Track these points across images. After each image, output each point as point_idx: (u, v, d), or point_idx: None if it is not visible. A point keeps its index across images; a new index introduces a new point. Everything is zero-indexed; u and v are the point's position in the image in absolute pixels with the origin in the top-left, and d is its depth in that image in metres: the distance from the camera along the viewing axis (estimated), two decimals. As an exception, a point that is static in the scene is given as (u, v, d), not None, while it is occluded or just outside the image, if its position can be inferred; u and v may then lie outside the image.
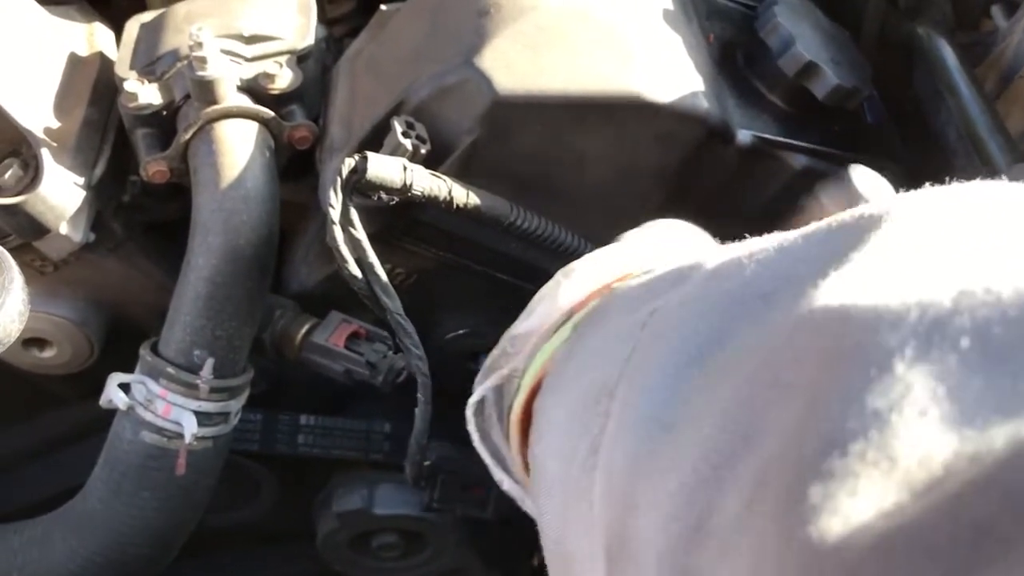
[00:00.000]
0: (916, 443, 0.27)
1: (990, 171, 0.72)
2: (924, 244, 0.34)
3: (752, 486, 0.31)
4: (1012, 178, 0.69)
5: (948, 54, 0.81)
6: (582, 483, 0.41)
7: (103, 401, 0.74)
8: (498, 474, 0.58)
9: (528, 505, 0.57)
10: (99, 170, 0.77)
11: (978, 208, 0.36)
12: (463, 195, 0.68)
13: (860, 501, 0.27)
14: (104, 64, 0.82)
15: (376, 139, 0.71)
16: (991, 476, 0.25)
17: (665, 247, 0.58)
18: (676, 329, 0.40)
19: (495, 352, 0.58)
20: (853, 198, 0.70)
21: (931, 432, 0.27)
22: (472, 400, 0.58)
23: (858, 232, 0.36)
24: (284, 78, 0.77)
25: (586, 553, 0.40)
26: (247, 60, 0.78)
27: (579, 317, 0.51)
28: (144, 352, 0.74)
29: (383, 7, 0.85)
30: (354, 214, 0.68)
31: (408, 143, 0.68)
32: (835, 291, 0.33)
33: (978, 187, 0.38)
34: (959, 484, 0.26)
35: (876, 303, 0.31)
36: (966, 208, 0.36)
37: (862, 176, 0.71)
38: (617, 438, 0.39)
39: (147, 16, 0.84)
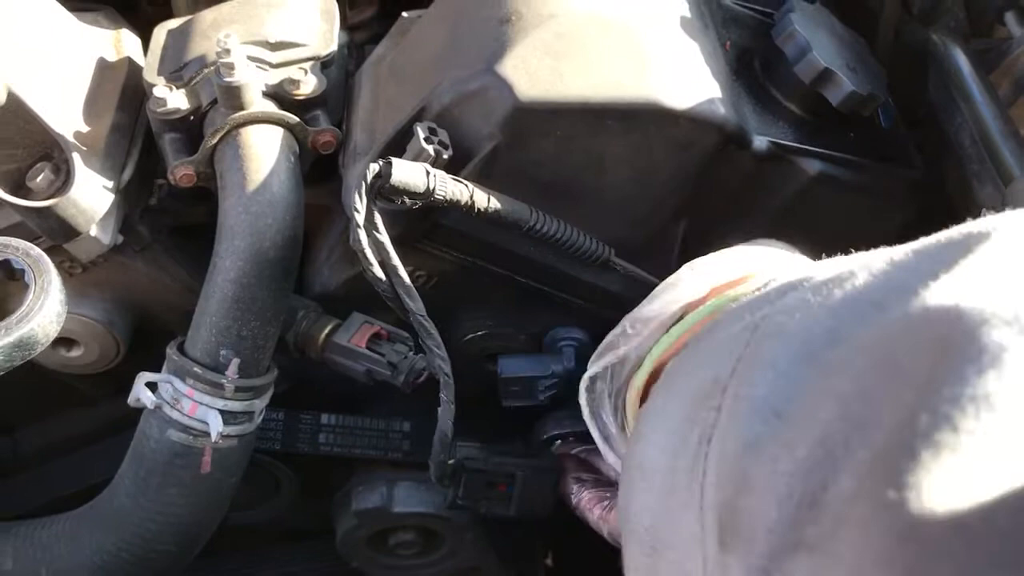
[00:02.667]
0: (1022, 424, 0.30)
1: (1003, 177, 0.73)
2: None
3: (868, 465, 0.34)
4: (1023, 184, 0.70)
5: (962, 61, 0.82)
6: (692, 472, 0.43)
7: (131, 400, 0.75)
8: (604, 450, 0.61)
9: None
10: (127, 174, 0.79)
11: None
12: (484, 199, 0.70)
13: (969, 471, 0.30)
14: (132, 69, 0.84)
15: (399, 144, 0.72)
16: None
17: (779, 255, 0.60)
18: (787, 329, 0.42)
19: (614, 332, 0.61)
20: None
21: None
22: (586, 376, 0.61)
23: (965, 245, 0.39)
24: (309, 84, 0.78)
25: (688, 537, 0.42)
26: (272, 66, 0.79)
27: (693, 318, 0.54)
28: (171, 352, 0.76)
29: (404, 14, 0.87)
30: (378, 218, 0.69)
31: (431, 148, 0.69)
32: (947, 291, 0.36)
33: None
34: None
35: (986, 303, 0.34)
36: None
37: None
38: (731, 426, 0.42)
39: (174, 23, 0.86)
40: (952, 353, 0.33)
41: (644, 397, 0.57)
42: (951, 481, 0.30)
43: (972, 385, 0.32)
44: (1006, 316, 0.33)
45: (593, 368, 0.61)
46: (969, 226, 0.40)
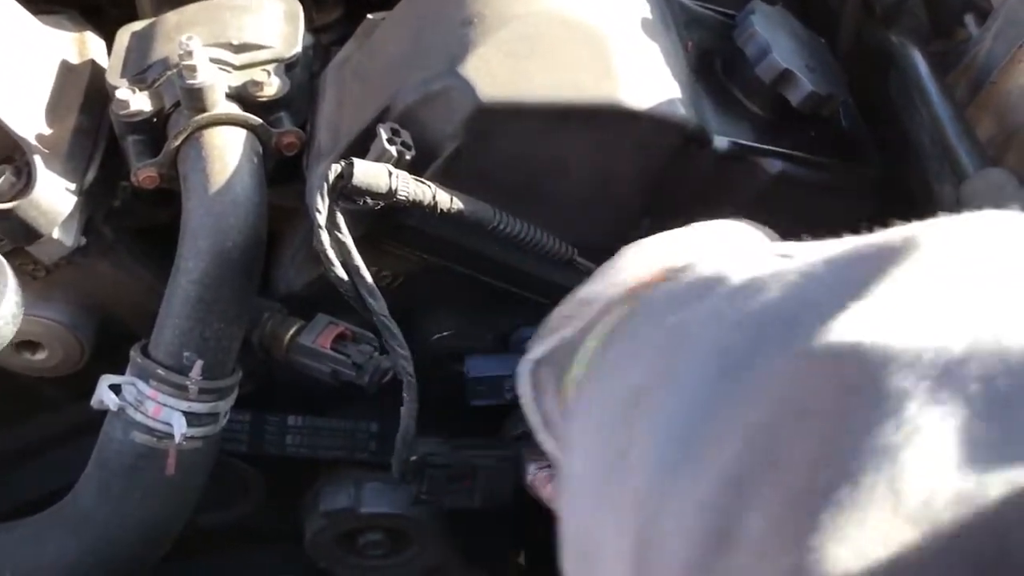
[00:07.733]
0: (922, 481, 0.29)
1: (959, 176, 0.74)
2: (941, 285, 0.35)
3: (778, 508, 0.33)
4: (976, 182, 0.71)
5: (920, 62, 0.83)
6: (613, 485, 0.42)
7: (94, 402, 0.75)
8: (542, 436, 0.59)
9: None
10: (90, 176, 0.79)
11: (1000, 248, 0.36)
12: (447, 200, 0.70)
13: (867, 532, 0.29)
14: (95, 72, 0.84)
15: (362, 145, 0.72)
16: (986, 518, 0.28)
17: (723, 242, 0.59)
18: (701, 344, 0.41)
19: (559, 312, 0.58)
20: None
21: (936, 472, 0.29)
22: (529, 358, 0.59)
23: (879, 264, 0.36)
24: (272, 86, 0.78)
25: (613, 551, 0.42)
26: (236, 68, 0.79)
27: (609, 325, 0.52)
28: (134, 354, 0.75)
29: (370, 16, 0.87)
30: (340, 218, 0.69)
31: (393, 149, 0.69)
32: (851, 326, 0.34)
33: (1003, 222, 0.38)
34: (958, 524, 0.28)
35: (890, 342, 0.32)
36: (988, 248, 0.37)
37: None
38: (646, 446, 0.40)
39: (138, 25, 0.86)
40: (854, 399, 0.32)
41: None
42: (851, 545, 0.29)
43: (872, 435, 0.30)
44: (908, 357, 0.31)
45: (537, 351, 0.58)
46: (884, 237, 0.38)
